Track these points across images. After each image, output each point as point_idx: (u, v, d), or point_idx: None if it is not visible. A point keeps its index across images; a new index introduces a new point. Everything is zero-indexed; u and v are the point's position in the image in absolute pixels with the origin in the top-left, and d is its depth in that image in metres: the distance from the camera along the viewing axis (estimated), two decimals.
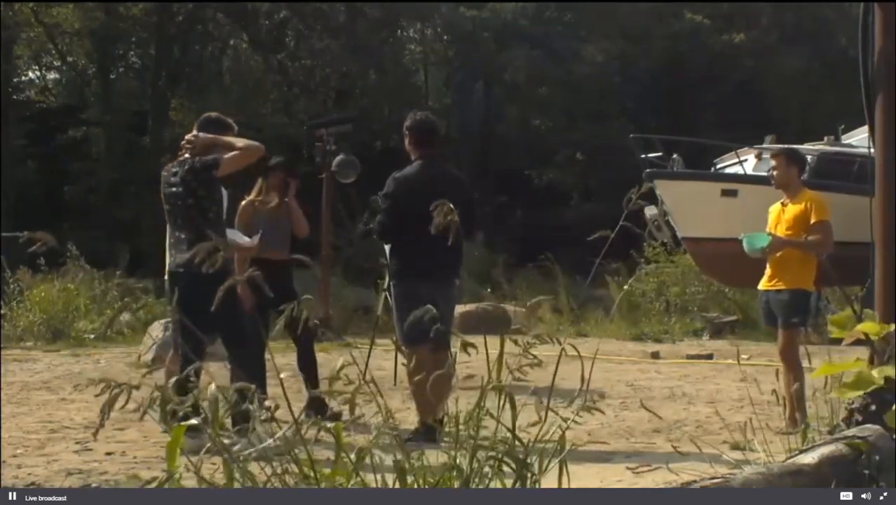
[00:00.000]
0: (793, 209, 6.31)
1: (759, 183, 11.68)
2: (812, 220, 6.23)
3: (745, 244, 6.31)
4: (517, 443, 2.65)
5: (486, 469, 2.62)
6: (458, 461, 2.62)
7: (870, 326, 3.37)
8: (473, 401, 2.76)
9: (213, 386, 2.46)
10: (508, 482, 2.65)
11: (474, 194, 6.26)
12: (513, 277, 20.52)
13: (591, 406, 2.77)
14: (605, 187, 23.86)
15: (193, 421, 2.48)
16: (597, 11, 30.01)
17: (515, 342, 2.82)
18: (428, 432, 5.02)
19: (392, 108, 24.52)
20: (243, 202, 6.95)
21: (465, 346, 3.01)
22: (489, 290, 18.79)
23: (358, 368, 2.81)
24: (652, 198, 15.32)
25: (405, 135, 5.99)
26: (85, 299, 13.94)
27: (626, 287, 15.34)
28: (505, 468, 2.65)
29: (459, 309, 14.80)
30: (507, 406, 2.69)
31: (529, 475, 2.61)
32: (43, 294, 13.53)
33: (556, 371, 2.74)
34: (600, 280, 17.22)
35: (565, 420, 2.71)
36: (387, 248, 6.11)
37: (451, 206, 3.10)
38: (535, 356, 2.73)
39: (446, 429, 2.73)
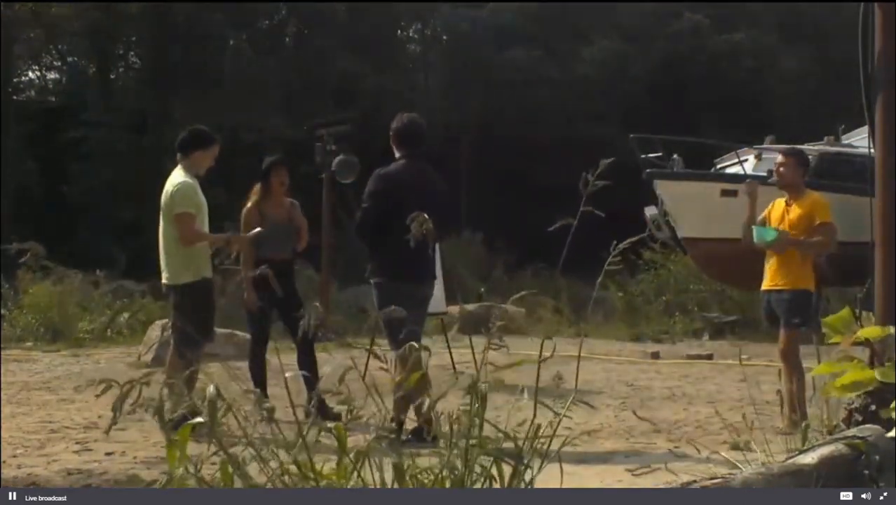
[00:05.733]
0: (797, 210, 6.33)
1: (760, 183, 11.67)
2: (816, 222, 6.25)
3: (755, 233, 6.36)
4: (510, 441, 2.65)
5: (478, 469, 2.61)
6: (450, 461, 2.62)
7: (871, 331, 3.37)
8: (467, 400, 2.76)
9: (211, 386, 2.46)
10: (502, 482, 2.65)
11: (448, 196, 6.32)
12: (513, 278, 20.52)
13: (581, 400, 2.77)
14: (605, 187, 23.78)
15: (194, 420, 2.49)
16: (597, 11, 30.00)
17: (499, 339, 2.82)
18: (419, 432, 5.02)
19: (392, 109, 24.45)
20: (246, 206, 6.95)
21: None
22: (485, 290, 18.76)
23: (358, 370, 2.81)
24: (652, 198, 15.35)
25: (391, 136, 6.05)
26: (81, 299, 13.90)
27: (592, 287, 15.30)
28: (499, 467, 2.65)
29: (459, 309, 14.80)
30: (500, 405, 2.69)
31: (524, 472, 2.61)
32: (41, 295, 13.51)
33: (538, 368, 2.73)
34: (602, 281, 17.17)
35: (557, 414, 2.70)
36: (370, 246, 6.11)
37: (430, 210, 3.18)
38: (501, 344, 2.73)
39: (443, 429, 2.73)
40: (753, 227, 6.42)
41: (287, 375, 2.72)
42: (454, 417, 2.66)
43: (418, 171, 5.92)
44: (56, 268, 13.66)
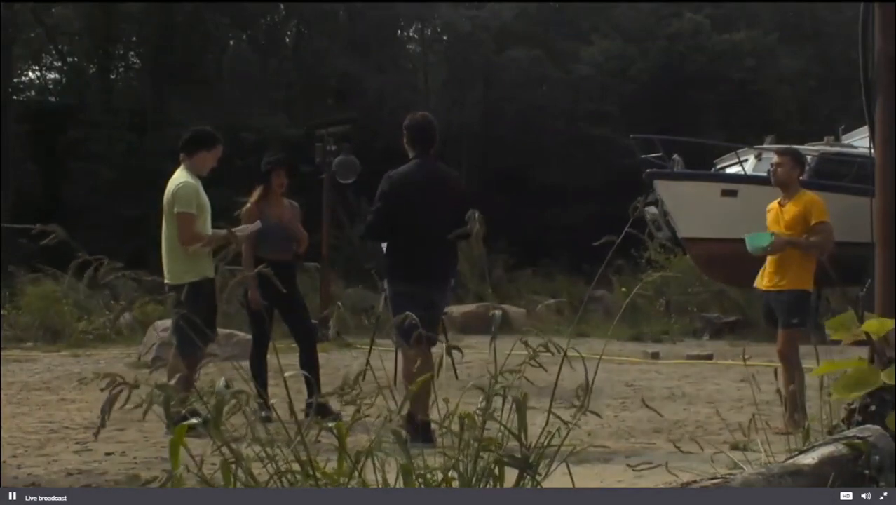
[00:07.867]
0: (791, 210, 6.33)
1: (759, 183, 11.70)
2: (812, 221, 6.25)
3: (747, 243, 6.33)
4: (520, 445, 2.65)
5: (481, 469, 2.61)
6: (459, 463, 2.62)
7: (871, 325, 3.37)
8: (475, 401, 2.77)
9: (221, 381, 2.46)
10: (509, 483, 2.65)
11: (469, 196, 6.24)
12: (513, 278, 20.54)
13: (588, 409, 2.77)
14: (605, 187, 23.88)
15: (195, 421, 2.48)
16: (597, 11, 30.02)
17: (525, 343, 2.83)
18: (423, 431, 5.01)
19: (392, 109, 24.51)
20: (246, 205, 6.95)
21: (450, 349, 3.04)
22: (489, 290, 18.78)
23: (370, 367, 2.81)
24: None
25: (403, 134, 6.00)
26: (78, 299, 13.87)
27: (634, 291, 15.29)
28: (501, 470, 2.65)
29: (460, 309, 14.82)
30: (508, 407, 2.69)
31: (532, 477, 2.61)
32: (40, 295, 13.51)
33: (558, 374, 2.74)
34: (601, 280, 17.22)
35: (566, 423, 2.71)
36: (383, 246, 6.07)
37: (443, 211, 3.15)
38: (539, 364, 2.74)
39: (444, 430, 2.73)
40: (746, 235, 6.39)
41: (287, 374, 2.71)
42: (465, 417, 2.66)
43: (430, 172, 5.86)
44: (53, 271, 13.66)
